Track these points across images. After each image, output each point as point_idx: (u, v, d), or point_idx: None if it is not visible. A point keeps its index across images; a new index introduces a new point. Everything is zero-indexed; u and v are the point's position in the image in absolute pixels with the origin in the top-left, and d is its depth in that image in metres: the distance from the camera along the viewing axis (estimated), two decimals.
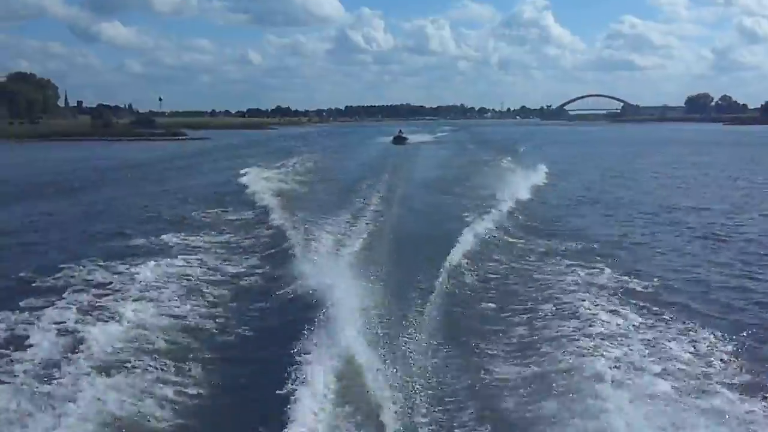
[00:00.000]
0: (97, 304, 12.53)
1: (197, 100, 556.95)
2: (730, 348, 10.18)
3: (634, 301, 12.49)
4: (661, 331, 10.87)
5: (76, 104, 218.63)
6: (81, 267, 15.44)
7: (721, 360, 9.69)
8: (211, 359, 10.24)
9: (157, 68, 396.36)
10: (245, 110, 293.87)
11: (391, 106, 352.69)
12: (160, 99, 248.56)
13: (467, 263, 15.48)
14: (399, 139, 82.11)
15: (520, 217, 22.36)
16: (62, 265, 15.54)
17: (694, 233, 20.60)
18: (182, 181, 38.25)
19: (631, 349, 9.88)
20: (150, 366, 9.73)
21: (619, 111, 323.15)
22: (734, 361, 9.66)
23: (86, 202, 28.84)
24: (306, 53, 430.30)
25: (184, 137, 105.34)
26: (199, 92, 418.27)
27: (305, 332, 10.25)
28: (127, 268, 15.21)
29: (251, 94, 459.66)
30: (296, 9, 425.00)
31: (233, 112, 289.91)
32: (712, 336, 10.65)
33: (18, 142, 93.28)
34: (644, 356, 9.66)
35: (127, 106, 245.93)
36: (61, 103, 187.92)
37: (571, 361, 9.54)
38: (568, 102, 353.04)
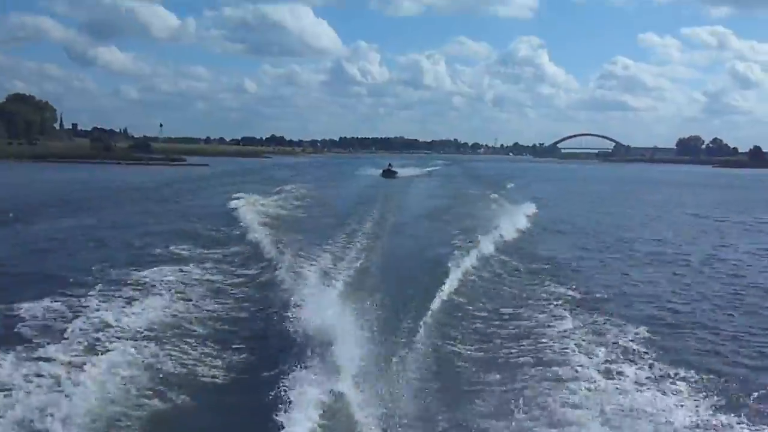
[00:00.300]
0: (123, 296, 15.36)
1: (192, 126, 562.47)
2: (643, 336, 13.62)
3: (579, 308, 15.81)
4: (597, 325, 14.34)
5: (71, 127, 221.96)
6: (104, 270, 18.19)
7: (638, 345, 13.08)
8: (205, 361, 11.75)
9: (153, 94, 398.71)
10: (240, 138, 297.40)
11: (385, 138, 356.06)
12: (161, 125, 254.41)
13: (452, 287, 17.04)
14: (388, 173, 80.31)
15: (502, 247, 24.43)
16: (93, 267, 18.45)
17: (642, 259, 24.07)
18: (188, 202, 41.32)
19: (574, 344, 13.01)
20: (166, 343, 12.28)
21: (610, 150, 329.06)
22: (647, 346, 13.01)
23: (100, 218, 31.63)
24: (301, 83, 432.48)
25: (183, 163, 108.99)
26: (195, 119, 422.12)
27: (295, 351, 11.36)
28: (141, 271, 17.99)
29: (246, 123, 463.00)
30: (293, 40, 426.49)
31: (228, 140, 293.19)
32: (631, 330, 14.04)
33: (18, 161, 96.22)
34: (581, 345, 12.90)
35: (122, 131, 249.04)
36: (56, 125, 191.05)
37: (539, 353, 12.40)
38: (561, 140, 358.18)
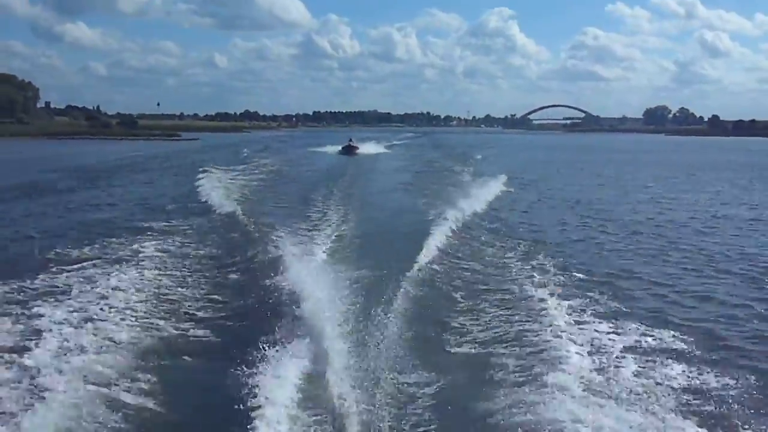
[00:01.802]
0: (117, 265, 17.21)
1: (164, 102, 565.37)
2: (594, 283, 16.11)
3: (533, 259, 18.56)
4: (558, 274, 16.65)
5: (43, 105, 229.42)
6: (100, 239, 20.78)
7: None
8: (185, 343, 11.98)
9: (122, 70, 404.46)
10: (214, 113, 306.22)
11: (358, 112, 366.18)
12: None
13: (423, 255, 17.98)
14: (348, 150, 74.72)
15: (472, 214, 26.47)
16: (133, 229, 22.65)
17: (563, 203, 34.02)
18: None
19: (543, 299, 14.58)
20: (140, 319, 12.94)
21: (580, 121, 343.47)
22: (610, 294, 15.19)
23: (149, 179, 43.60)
24: (272, 58, 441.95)
25: (179, 138, 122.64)
26: (166, 95, 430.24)
27: (275, 325, 12.01)
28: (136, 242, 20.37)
29: (218, 98, 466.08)
30: (262, 13, 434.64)
31: (202, 116, 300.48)
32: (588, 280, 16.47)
33: (17, 139, 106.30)
34: (550, 298, 14.56)
35: (95, 108, 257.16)
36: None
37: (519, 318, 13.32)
38: (532, 111, 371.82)
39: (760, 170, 61.98)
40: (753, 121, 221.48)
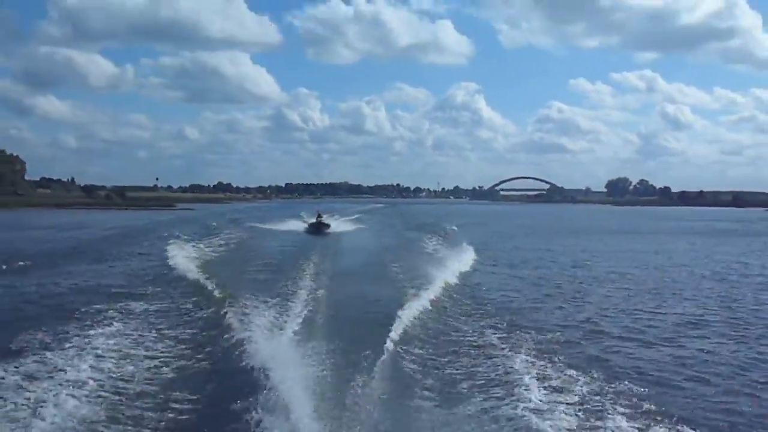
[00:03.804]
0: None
1: (135, 174, 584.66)
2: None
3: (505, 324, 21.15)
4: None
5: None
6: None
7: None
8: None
9: (95, 142, 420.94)
10: (188, 185, 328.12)
11: (329, 184, 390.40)
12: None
13: (393, 325, 19.57)
14: (317, 228, 65.26)
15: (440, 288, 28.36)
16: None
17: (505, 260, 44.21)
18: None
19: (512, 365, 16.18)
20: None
21: (545, 192, 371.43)
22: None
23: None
24: (243, 130, 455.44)
25: (175, 208, 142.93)
26: (139, 167, 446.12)
27: (249, 404, 12.42)
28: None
29: (190, 169, 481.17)
30: (232, 87, 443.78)
31: (175, 187, 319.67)
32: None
33: (30, 210, 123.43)
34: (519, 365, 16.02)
35: (70, 180, 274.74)
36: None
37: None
38: (499, 183, 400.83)
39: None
40: (701, 192, 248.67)
